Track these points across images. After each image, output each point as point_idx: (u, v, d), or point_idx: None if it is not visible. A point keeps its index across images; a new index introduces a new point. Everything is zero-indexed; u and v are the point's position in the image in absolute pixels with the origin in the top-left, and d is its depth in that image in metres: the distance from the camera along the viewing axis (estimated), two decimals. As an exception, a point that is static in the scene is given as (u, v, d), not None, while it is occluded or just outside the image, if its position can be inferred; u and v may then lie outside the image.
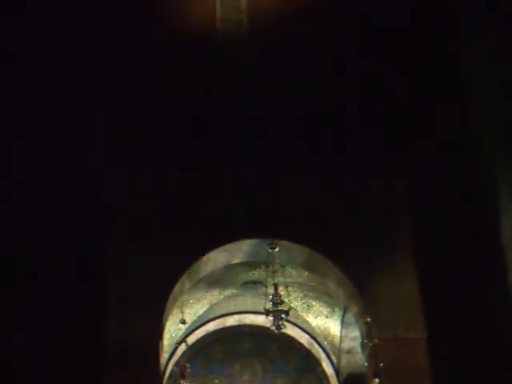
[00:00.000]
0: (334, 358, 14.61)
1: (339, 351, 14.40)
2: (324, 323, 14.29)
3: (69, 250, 9.98)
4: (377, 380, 9.99)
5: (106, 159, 10.42)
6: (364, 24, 11.48)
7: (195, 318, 13.99)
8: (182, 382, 12.61)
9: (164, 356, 12.78)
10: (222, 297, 13.72)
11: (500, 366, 9.82)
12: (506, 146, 10.09)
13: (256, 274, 12.60)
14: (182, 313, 12.41)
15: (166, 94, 10.87)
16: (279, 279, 11.44)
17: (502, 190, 9.99)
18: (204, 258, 10.42)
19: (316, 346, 14.95)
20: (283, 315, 11.11)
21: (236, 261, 11.10)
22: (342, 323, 13.89)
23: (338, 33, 11.42)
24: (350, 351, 14.28)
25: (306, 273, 11.90)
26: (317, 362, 15.20)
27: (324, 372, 15.04)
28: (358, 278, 10.31)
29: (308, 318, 14.32)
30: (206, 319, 14.57)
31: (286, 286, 11.58)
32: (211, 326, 14.97)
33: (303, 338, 15.07)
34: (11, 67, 10.60)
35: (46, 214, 10.15)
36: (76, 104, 10.68)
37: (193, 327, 14.40)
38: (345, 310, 13.21)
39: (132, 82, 10.87)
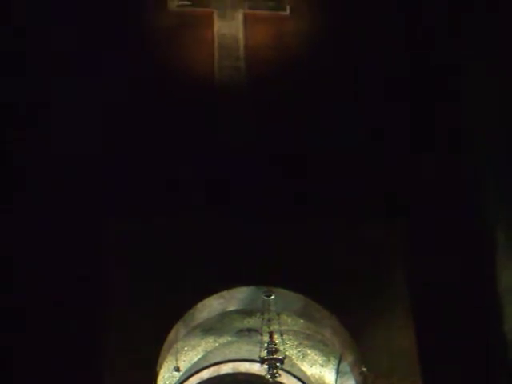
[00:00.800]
0: (328, 407, 14.50)
1: (334, 400, 14.30)
2: (319, 372, 14.21)
3: (67, 299, 9.95)
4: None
5: (107, 205, 10.40)
6: (362, 75, 11.57)
7: (189, 365, 13.91)
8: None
9: (157, 404, 12.67)
10: (217, 344, 13.66)
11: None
12: (505, 198, 10.12)
13: (251, 322, 12.56)
14: (177, 360, 12.35)
15: (163, 140, 10.90)
16: (274, 327, 11.39)
17: (500, 240, 10.00)
18: (199, 305, 10.34)
19: (311, 395, 14.85)
20: (278, 364, 11.06)
21: (231, 308, 11.03)
22: (338, 372, 13.81)
23: (336, 84, 11.48)
24: (345, 400, 14.17)
25: (302, 321, 11.86)
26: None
27: (319, 421, 14.91)
28: (353, 326, 10.22)
29: (303, 367, 14.24)
30: (201, 367, 14.48)
31: (281, 334, 11.53)
32: (206, 374, 14.88)
33: (298, 387, 14.98)
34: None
35: (47, 256, 10.12)
36: (77, 150, 10.72)
37: (187, 375, 14.30)
38: (340, 359, 13.13)
39: (129, 129, 10.92)
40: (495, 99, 10.49)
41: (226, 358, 14.66)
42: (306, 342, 13.33)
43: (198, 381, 14.85)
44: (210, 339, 13.39)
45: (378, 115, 11.28)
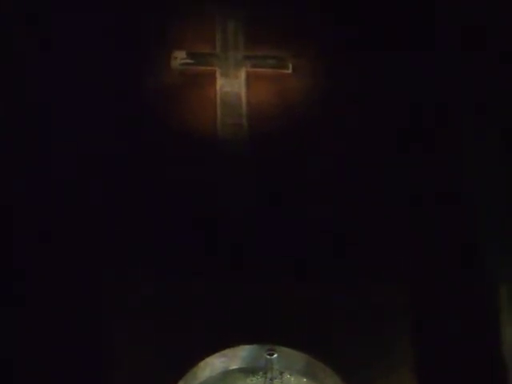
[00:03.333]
0: None
1: None
2: (323, 431, 13.99)
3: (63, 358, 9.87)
4: None
5: (106, 261, 10.40)
6: (366, 133, 11.61)
7: (192, 424, 13.72)
8: None
9: None
10: (220, 403, 13.51)
11: None
12: (507, 251, 10.10)
13: (254, 381, 12.43)
14: (179, 420, 12.20)
15: (164, 198, 10.92)
16: (277, 386, 11.32)
17: (503, 297, 9.97)
18: (201, 364, 10.27)
19: None
20: (282, 423, 10.96)
21: (234, 367, 10.96)
22: (341, 432, 13.62)
23: (339, 142, 11.53)
24: None
25: (305, 380, 11.75)
26: None
27: None
28: (357, 385, 10.18)
29: (307, 426, 14.04)
30: (203, 426, 14.27)
31: (285, 393, 11.46)
32: (208, 434, 14.64)
33: None
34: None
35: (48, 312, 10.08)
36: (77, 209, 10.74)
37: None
38: (344, 418, 12.97)
39: (130, 189, 10.97)
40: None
41: (229, 418, 14.49)
42: (309, 401, 13.19)
43: None
44: (213, 398, 13.25)
45: (380, 175, 11.32)
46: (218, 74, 12.07)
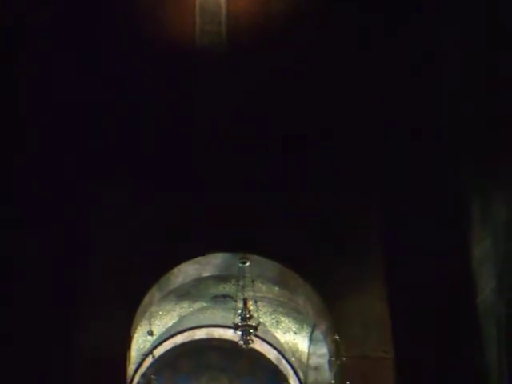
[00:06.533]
0: (301, 374, 14.60)
1: (307, 368, 14.40)
2: (292, 339, 14.29)
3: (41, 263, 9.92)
4: (343, 397, 10.01)
5: (81, 171, 10.37)
6: (346, 43, 11.50)
7: (164, 329, 13.95)
8: (148, 394, 12.58)
9: (131, 367, 12.73)
10: (192, 309, 13.69)
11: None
12: (479, 171, 10.11)
13: (226, 288, 12.60)
14: (151, 324, 12.40)
15: (140, 106, 10.85)
16: (249, 294, 11.44)
17: (473, 213, 10.03)
18: (175, 270, 10.40)
19: (284, 361, 14.93)
20: (251, 330, 11.12)
21: (207, 274, 11.09)
22: (311, 340, 13.91)
23: (319, 53, 11.42)
24: (317, 368, 14.28)
25: (276, 288, 11.93)
26: (284, 378, 15.17)
27: (291, 388, 15.03)
28: (327, 295, 10.32)
29: (277, 334, 14.31)
30: (175, 331, 14.52)
31: (256, 301, 11.58)
32: (179, 339, 14.91)
33: (271, 354, 15.05)
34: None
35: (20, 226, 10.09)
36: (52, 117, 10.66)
37: (161, 339, 14.33)
38: (313, 327, 13.22)
39: (106, 93, 10.83)
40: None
41: (201, 324, 14.70)
42: (280, 310, 13.39)
43: (172, 345, 14.89)
44: (185, 304, 13.42)
45: (356, 92, 11.27)
46: (197, -19, 11.89)
